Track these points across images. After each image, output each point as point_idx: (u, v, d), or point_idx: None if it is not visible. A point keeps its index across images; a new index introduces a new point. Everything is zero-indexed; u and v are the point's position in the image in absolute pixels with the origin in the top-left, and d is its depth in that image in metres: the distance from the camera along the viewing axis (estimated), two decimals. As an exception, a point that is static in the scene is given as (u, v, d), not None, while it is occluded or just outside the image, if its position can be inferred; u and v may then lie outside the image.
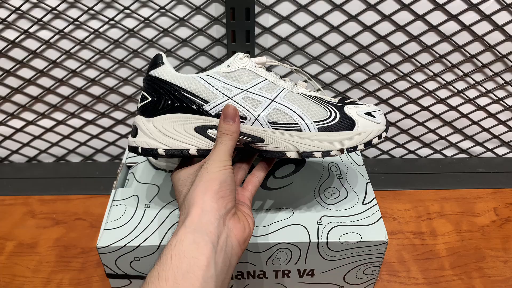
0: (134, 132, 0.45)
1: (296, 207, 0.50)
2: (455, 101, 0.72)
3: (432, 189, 0.71)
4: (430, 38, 0.65)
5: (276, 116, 0.43)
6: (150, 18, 0.63)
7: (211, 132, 0.43)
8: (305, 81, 0.50)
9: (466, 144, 0.78)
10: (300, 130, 0.43)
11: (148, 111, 0.44)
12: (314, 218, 0.49)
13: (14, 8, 0.61)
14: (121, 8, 0.62)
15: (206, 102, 0.43)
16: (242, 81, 0.44)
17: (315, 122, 0.43)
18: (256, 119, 0.43)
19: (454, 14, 0.62)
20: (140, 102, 0.45)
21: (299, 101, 0.44)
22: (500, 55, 0.66)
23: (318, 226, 0.48)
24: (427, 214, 0.66)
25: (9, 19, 0.62)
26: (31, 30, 0.63)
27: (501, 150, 0.79)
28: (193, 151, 0.43)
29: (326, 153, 0.43)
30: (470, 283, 0.57)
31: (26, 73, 0.68)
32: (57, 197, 0.69)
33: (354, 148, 0.43)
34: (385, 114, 0.47)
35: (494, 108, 0.73)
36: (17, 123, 0.73)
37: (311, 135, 0.43)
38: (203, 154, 0.43)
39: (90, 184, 0.72)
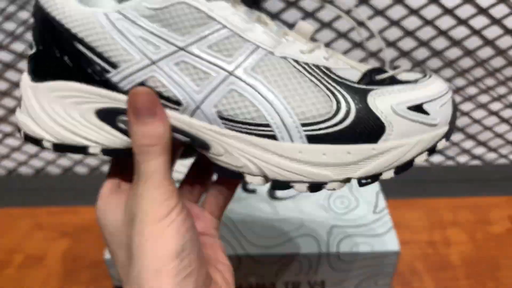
0: (20, 101, 0.29)
1: (305, 217, 0.49)
2: (466, 106, 0.71)
3: (445, 197, 0.69)
4: (439, 44, 0.64)
5: (233, 104, 0.24)
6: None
7: (124, 123, 0.26)
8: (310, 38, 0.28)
9: (479, 150, 0.76)
10: (273, 137, 0.24)
11: (34, 70, 0.28)
12: (324, 228, 0.48)
13: (22, 21, 0.62)
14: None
15: (113, 66, 0.25)
16: (178, 30, 0.24)
17: (304, 124, 0.24)
18: (198, 107, 0.25)
19: (463, 19, 0.62)
20: (30, 49, 0.28)
21: (283, 76, 0.24)
22: (512, 59, 0.66)
23: (329, 237, 0.47)
24: (440, 222, 0.65)
25: (17, 31, 0.63)
26: (38, 42, 0.64)
27: (515, 156, 0.77)
28: (94, 150, 0.27)
29: (316, 188, 0.25)
30: (486, 293, 0.55)
31: (34, 85, 0.68)
32: (64, 208, 0.69)
33: (374, 179, 0.25)
34: (453, 99, 0.27)
35: (507, 113, 0.72)
36: (25, 135, 0.73)
37: (292, 150, 0.24)
38: (112, 153, 0.27)
39: (97, 195, 0.71)
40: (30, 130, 0.28)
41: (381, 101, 0.24)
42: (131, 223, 0.25)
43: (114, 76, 0.25)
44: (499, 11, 0.61)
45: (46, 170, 0.78)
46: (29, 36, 0.63)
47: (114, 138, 0.26)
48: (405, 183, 0.73)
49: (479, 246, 0.61)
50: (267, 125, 0.24)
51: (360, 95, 0.25)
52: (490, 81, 0.68)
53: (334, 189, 0.25)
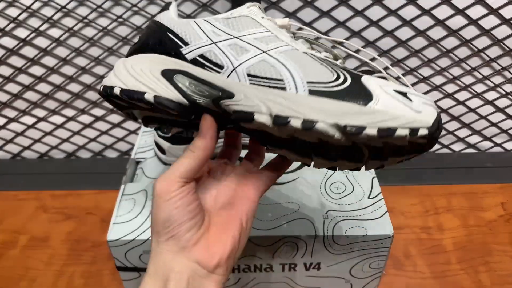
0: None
1: (302, 201, 0.50)
2: (462, 95, 0.72)
3: (439, 183, 0.71)
4: (437, 33, 0.65)
5: (259, 68, 0.33)
6: (158, 16, 0.64)
7: (179, 79, 0.35)
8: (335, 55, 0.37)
9: (474, 139, 0.77)
10: (284, 88, 0.32)
11: (129, 52, 0.39)
12: (320, 212, 0.49)
13: (25, 7, 0.62)
14: (129, 5, 0.63)
15: (186, 44, 0.36)
16: (237, 29, 0.35)
17: (309, 82, 0.31)
18: (234, 69, 0.34)
19: (461, 8, 0.62)
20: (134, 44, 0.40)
21: (300, 58, 0.33)
22: (508, 49, 0.66)
23: (324, 220, 0.48)
24: (434, 208, 0.66)
25: (20, 17, 0.63)
26: (41, 29, 0.65)
27: (510, 145, 0.78)
28: (149, 96, 0.35)
29: (309, 124, 0.30)
30: (476, 277, 0.57)
31: (37, 70, 0.69)
32: (68, 192, 0.70)
33: (359, 130, 0.29)
34: (439, 111, 0.29)
35: (502, 102, 0.73)
36: (28, 120, 0.75)
37: (296, 97, 0.31)
38: (160, 103, 0.35)
39: (100, 179, 0.73)
40: (110, 81, 0.37)
41: (373, 81, 0.31)
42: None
43: (184, 49, 0.36)
44: (496, 0, 0.62)
45: (50, 154, 0.79)
46: (30, 22, 0.64)
47: (166, 90, 0.35)
48: (400, 170, 0.74)
49: (471, 231, 0.63)
50: (281, 80, 0.32)
51: (355, 75, 0.32)
52: (486, 71, 0.69)
53: (325, 132, 0.30)
